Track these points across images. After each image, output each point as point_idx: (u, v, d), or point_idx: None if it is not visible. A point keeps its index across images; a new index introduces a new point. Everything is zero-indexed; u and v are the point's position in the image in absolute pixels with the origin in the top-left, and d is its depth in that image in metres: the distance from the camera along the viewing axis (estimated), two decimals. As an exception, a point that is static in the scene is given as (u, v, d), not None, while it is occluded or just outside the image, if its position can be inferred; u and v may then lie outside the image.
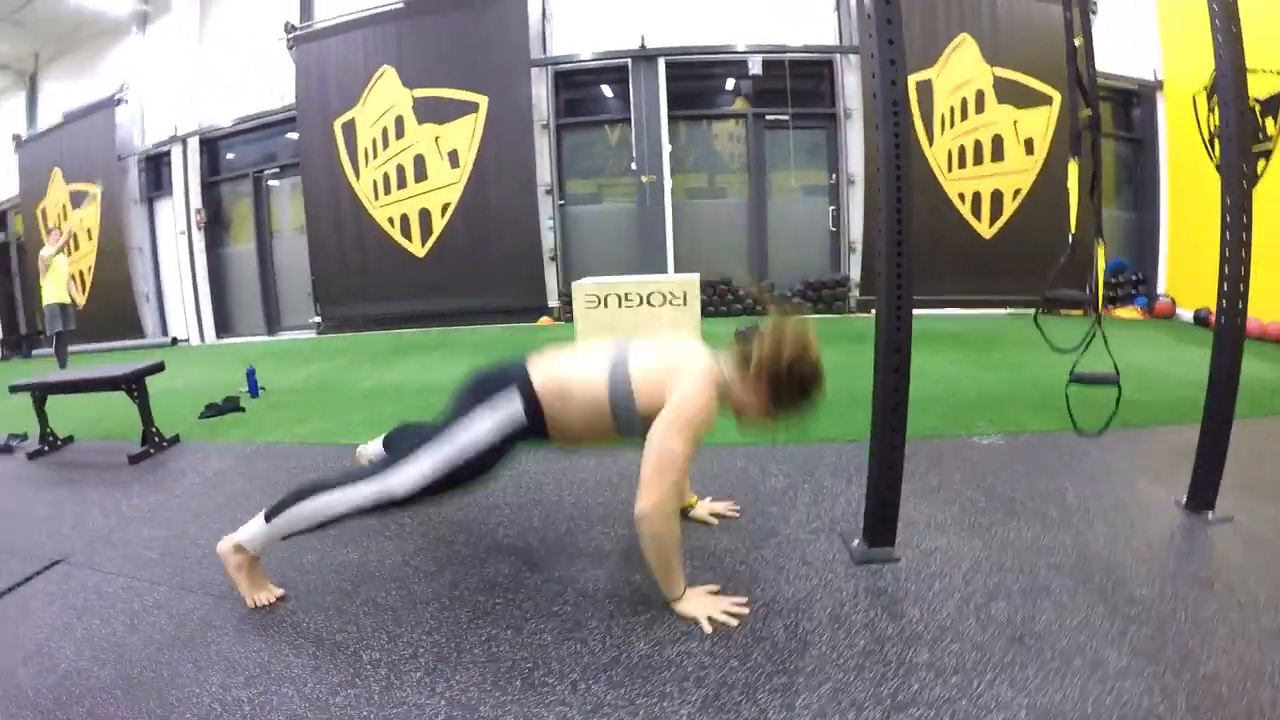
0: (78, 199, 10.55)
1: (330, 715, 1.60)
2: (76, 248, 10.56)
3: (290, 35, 9.31)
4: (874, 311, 2.16)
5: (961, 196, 8.23)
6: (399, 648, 1.85)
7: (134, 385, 3.82)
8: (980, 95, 8.04)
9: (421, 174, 9.06)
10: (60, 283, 7.69)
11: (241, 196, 10.46)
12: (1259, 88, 5.96)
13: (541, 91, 8.88)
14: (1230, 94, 2.12)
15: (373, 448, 2.88)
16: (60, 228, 8.77)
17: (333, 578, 2.25)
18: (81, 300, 9.23)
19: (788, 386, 1.88)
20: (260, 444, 3.98)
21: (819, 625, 1.83)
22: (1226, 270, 2.18)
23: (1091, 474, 2.79)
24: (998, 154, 8.04)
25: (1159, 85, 8.04)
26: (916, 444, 3.19)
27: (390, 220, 9.23)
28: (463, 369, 5.88)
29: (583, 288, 5.08)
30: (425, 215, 9.12)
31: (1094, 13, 7.93)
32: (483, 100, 8.77)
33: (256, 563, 2.12)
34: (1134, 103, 8.57)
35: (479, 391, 2.00)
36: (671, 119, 8.84)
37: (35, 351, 11.28)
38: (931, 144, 8.24)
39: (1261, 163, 6.15)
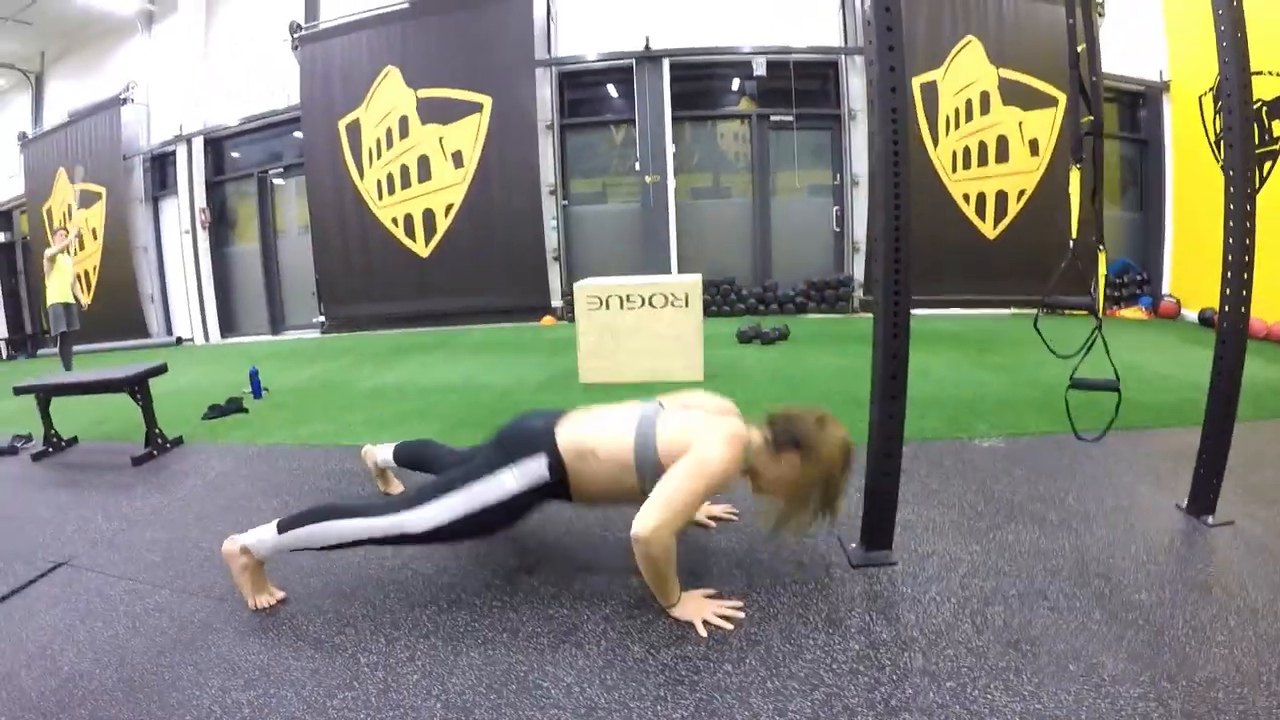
0: (84, 198, 10.60)
1: (328, 718, 1.61)
2: (81, 248, 10.60)
3: (295, 35, 9.34)
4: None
5: (966, 197, 8.21)
6: (396, 651, 1.86)
7: (137, 388, 3.84)
8: (985, 96, 8.02)
9: (425, 174, 9.08)
10: (65, 283, 7.72)
11: (246, 196, 10.49)
12: (1265, 89, 5.93)
13: (546, 92, 8.88)
14: (1235, 98, 2.11)
15: (381, 453, 2.89)
16: (66, 228, 8.80)
17: (332, 580, 2.26)
18: (87, 300, 9.24)
19: (815, 461, 1.93)
20: (262, 445, 4.00)
21: (814, 629, 1.83)
22: (1229, 274, 2.17)
23: (1092, 477, 2.78)
24: (1002, 155, 8.02)
25: (1165, 86, 8.01)
26: (916, 446, 3.21)
27: (394, 220, 9.25)
28: (465, 369, 5.95)
29: (584, 289, 5.07)
30: (429, 215, 9.14)
31: (1101, 15, 7.91)
32: (487, 101, 8.78)
33: (261, 566, 2.14)
34: (1140, 104, 8.55)
35: (509, 450, 2.05)
36: (676, 120, 8.84)
37: (41, 351, 11.34)
38: (936, 145, 8.22)
39: (1268, 164, 6.12)
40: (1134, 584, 1.97)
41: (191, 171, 10.11)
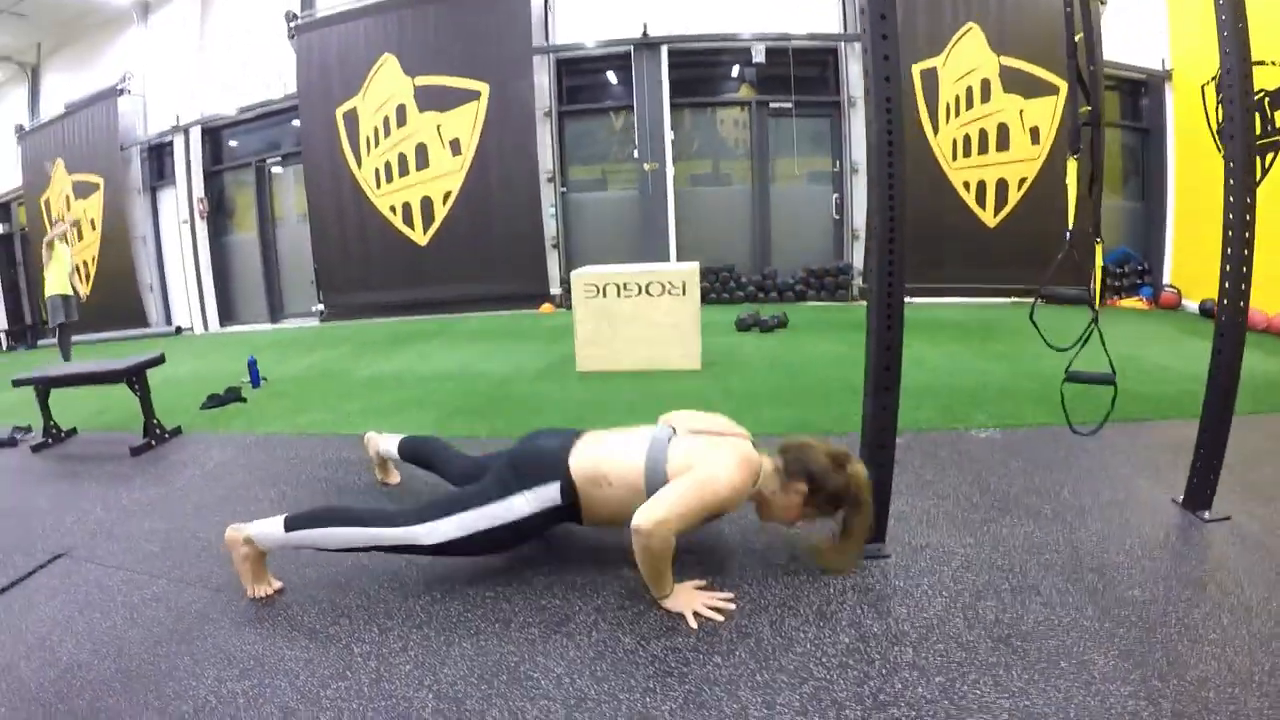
0: (81, 189, 10.58)
1: (321, 708, 1.62)
2: (80, 237, 10.59)
3: (292, 24, 9.27)
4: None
5: (966, 185, 8.17)
6: (389, 641, 1.88)
7: (135, 378, 3.85)
8: (986, 84, 7.96)
9: (423, 162, 9.03)
10: (63, 274, 7.70)
11: (244, 185, 10.46)
12: (1267, 79, 5.88)
13: (544, 79, 8.83)
14: (1236, 88, 2.09)
15: (384, 443, 2.90)
16: (64, 218, 8.80)
17: (327, 570, 2.27)
18: (86, 290, 9.25)
19: (823, 499, 1.99)
20: (261, 435, 4.00)
21: (804, 622, 1.84)
22: (1228, 267, 2.16)
23: (1089, 470, 2.78)
24: (1003, 143, 7.97)
25: (1167, 75, 7.94)
26: (912, 437, 3.21)
27: (392, 208, 9.21)
28: (463, 357, 5.94)
29: (581, 277, 5.06)
30: (427, 203, 9.10)
31: (1103, 2, 7.84)
32: (484, 88, 8.73)
33: (263, 557, 2.16)
34: (1143, 92, 8.48)
35: (522, 473, 2.08)
36: (675, 106, 8.78)
37: (40, 342, 11.35)
38: (936, 132, 8.17)
39: (1270, 155, 6.08)
40: (1128, 580, 1.96)
41: (189, 161, 10.07)
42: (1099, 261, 2.34)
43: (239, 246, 10.57)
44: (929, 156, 8.14)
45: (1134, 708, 1.46)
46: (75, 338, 8.14)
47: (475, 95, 8.76)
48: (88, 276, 10.63)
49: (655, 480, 1.96)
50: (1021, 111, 7.84)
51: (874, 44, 1.91)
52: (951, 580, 2.00)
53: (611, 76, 9.19)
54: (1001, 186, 8.03)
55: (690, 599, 1.93)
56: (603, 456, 2.06)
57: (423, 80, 8.85)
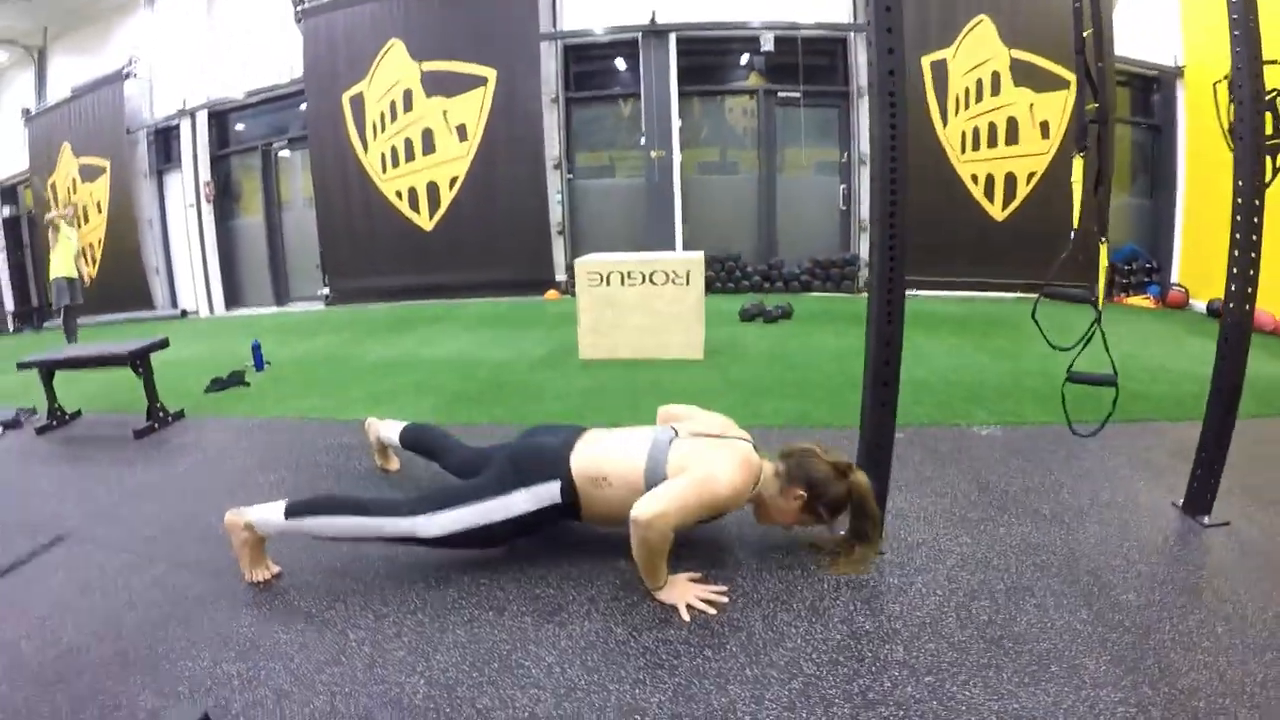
0: (88, 172, 10.59)
1: (315, 691, 1.64)
2: (86, 220, 10.61)
3: (298, 8, 9.23)
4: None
5: (974, 178, 8.12)
6: (384, 626, 1.89)
7: (138, 362, 3.86)
8: (996, 77, 7.90)
9: (429, 147, 9.02)
10: (68, 257, 7.72)
11: (250, 169, 10.45)
12: (1279, 78, 5.80)
13: (551, 65, 8.79)
14: (1246, 88, 2.07)
15: (386, 430, 2.91)
16: (73, 202, 8.81)
17: (324, 555, 2.28)
18: (92, 273, 9.27)
19: (826, 501, 2.00)
20: (263, 419, 4.02)
21: (796, 617, 1.84)
22: (1235, 269, 2.14)
23: (1089, 470, 2.76)
24: (1012, 137, 7.92)
25: (1180, 72, 7.88)
26: (913, 433, 3.20)
27: (398, 193, 9.21)
28: (466, 343, 5.95)
29: (585, 265, 5.05)
30: (433, 188, 9.10)
31: (1115, -1, 7.77)
32: (491, 74, 8.70)
33: (262, 542, 2.17)
34: (1154, 89, 8.40)
35: (523, 470, 2.10)
36: (683, 94, 8.73)
37: (46, 324, 11.38)
38: (945, 125, 8.12)
39: (1281, 155, 6.01)
40: (1123, 584, 1.95)
41: (195, 145, 10.07)
42: (1103, 261, 2.30)
43: (245, 230, 10.57)
44: (938, 148, 8.09)
45: (1123, 714, 1.46)
46: (81, 320, 8.16)
47: (482, 81, 8.73)
48: (94, 259, 10.66)
49: (655, 481, 1.97)
50: (1032, 105, 7.79)
51: (878, 36, 1.89)
52: (946, 579, 2.00)
53: (619, 63, 9.14)
54: (1010, 180, 7.98)
55: (684, 591, 1.94)
56: (603, 456, 2.07)
57: (429, 65, 8.82)
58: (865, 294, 2.08)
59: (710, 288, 8.02)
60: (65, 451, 3.73)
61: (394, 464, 3.04)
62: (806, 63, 8.49)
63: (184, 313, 10.66)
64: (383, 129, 9.11)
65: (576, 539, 2.33)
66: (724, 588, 1.97)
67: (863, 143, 8.53)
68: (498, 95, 8.73)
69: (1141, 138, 8.64)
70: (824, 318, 6.71)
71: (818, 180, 9.10)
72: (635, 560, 1.92)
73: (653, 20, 8.43)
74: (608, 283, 5.00)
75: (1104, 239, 2.21)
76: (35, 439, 3.95)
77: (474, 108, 8.82)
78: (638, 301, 4.98)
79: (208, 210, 10.18)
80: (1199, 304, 7.22)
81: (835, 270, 8.61)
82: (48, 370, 4.03)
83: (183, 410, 4.13)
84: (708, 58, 9.00)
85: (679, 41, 8.57)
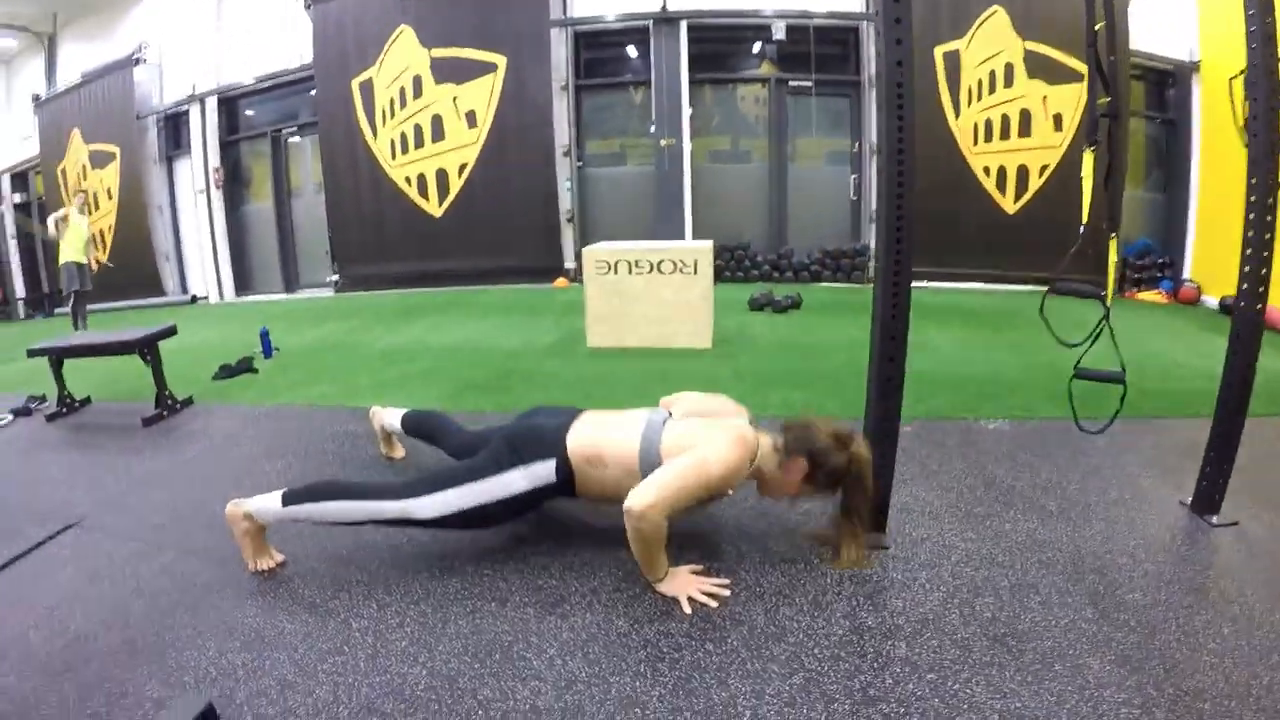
0: (98, 158, 10.62)
1: (318, 681, 1.65)
2: (97, 207, 10.66)
3: (309, -7, 9.22)
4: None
5: (986, 170, 8.05)
6: (387, 617, 1.90)
7: (146, 350, 3.88)
8: (1010, 69, 7.80)
9: (439, 134, 9.00)
10: (78, 242, 7.75)
11: (260, 155, 10.46)
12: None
13: (561, 52, 8.74)
14: (1261, 85, 2.03)
15: (389, 417, 2.92)
16: (83, 189, 8.84)
17: (329, 544, 2.29)
18: (103, 258, 9.30)
19: (827, 470, 1.97)
20: (270, 406, 4.04)
21: (799, 611, 1.84)
22: (1247, 268, 2.10)
23: (1097, 467, 2.73)
24: (1025, 129, 7.83)
25: (1195, 67, 7.75)
26: (921, 425, 3.18)
27: (407, 180, 9.20)
28: (474, 331, 5.95)
29: (593, 253, 5.04)
30: (442, 175, 9.08)
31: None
32: (501, 61, 8.66)
33: (263, 531, 2.18)
34: (1169, 83, 8.28)
35: (519, 450, 2.09)
36: (694, 82, 8.67)
37: (58, 310, 11.45)
38: (958, 116, 8.03)
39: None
40: (1129, 582, 1.93)
41: (205, 131, 10.07)
42: (1113, 258, 2.26)
43: (255, 216, 10.59)
44: (950, 140, 8.01)
45: (1127, 715, 1.44)
46: (91, 306, 8.20)
47: (492, 68, 8.69)
48: (104, 245, 10.69)
49: (649, 461, 1.96)
50: (1045, 98, 7.69)
51: (887, 26, 1.86)
52: (950, 575, 1.98)
53: (630, 51, 9.08)
54: (1022, 173, 7.90)
55: (686, 583, 1.93)
56: (599, 437, 2.07)
57: (439, 52, 8.78)
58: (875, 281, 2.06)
59: (720, 277, 8.00)
60: (74, 439, 3.76)
61: (399, 451, 3.05)
62: (818, 52, 8.40)
63: (194, 298, 10.71)
64: (392, 115, 9.09)
65: (580, 530, 2.33)
66: (726, 580, 1.97)
67: (874, 133, 8.46)
68: (507, 82, 8.69)
69: (1155, 132, 8.53)
70: (833, 308, 6.68)
71: (828, 170, 9.04)
72: (635, 553, 1.92)
73: (664, 8, 8.37)
74: (615, 271, 4.99)
75: (1114, 234, 2.18)
76: (45, 426, 3.98)
77: (483, 94, 8.79)
78: (645, 290, 4.96)
79: (217, 196, 10.20)
80: (1211, 300, 7.14)
81: (845, 260, 8.55)
82: (57, 358, 4.05)
83: (191, 397, 4.15)
84: (719, 46, 8.93)
85: (690, 29, 8.50)
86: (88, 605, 2.03)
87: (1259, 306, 2.11)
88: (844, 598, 1.89)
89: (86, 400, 4.29)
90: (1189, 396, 3.61)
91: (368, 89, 9.10)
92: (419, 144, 9.07)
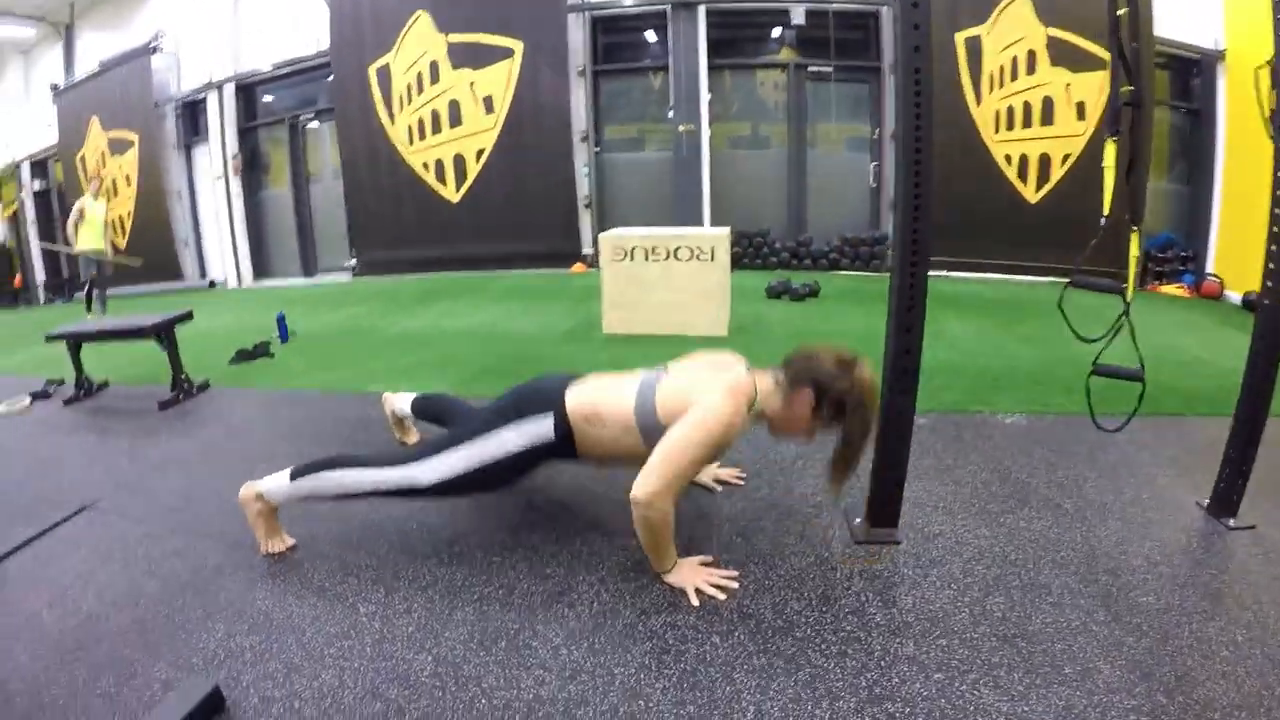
0: (116, 146, 10.71)
1: (324, 665, 1.66)
2: (115, 194, 10.76)
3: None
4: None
5: (1007, 158, 7.93)
6: (394, 602, 1.90)
7: (163, 334, 3.91)
8: (1032, 55, 7.66)
9: (456, 119, 8.99)
10: (95, 230, 7.82)
11: (278, 141, 10.51)
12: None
13: (578, 37, 8.69)
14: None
15: (400, 402, 2.92)
16: (100, 176, 8.92)
17: (340, 528, 2.31)
18: (122, 244, 9.38)
19: (832, 398, 1.88)
20: (286, 391, 4.06)
21: (807, 606, 1.82)
22: (1271, 265, 2.05)
23: (1113, 465, 2.68)
24: (1047, 117, 7.68)
25: (1220, 55, 7.57)
26: (936, 418, 3.15)
27: (425, 165, 9.21)
28: (490, 316, 5.97)
29: (609, 239, 5.02)
30: (460, 161, 9.08)
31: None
32: (518, 46, 8.63)
33: (275, 513, 2.20)
34: (1194, 72, 8.08)
35: (518, 408, 2.07)
36: (712, 68, 8.60)
37: (77, 295, 11.60)
38: (979, 103, 7.91)
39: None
40: (1143, 585, 1.88)
41: (223, 118, 10.13)
42: (1134, 251, 2.20)
43: (273, 202, 10.66)
44: (970, 127, 7.90)
45: (1134, 723, 1.41)
46: (111, 291, 8.30)
47: (509, 53, 8.67)
48: (124, 231, 10.80)
49: (645, 417, 1.93)
50: (1068, 85, 7.54)
51: (904, 11, 1.82)
52: (961, 572, 1.96)
53: (648, 36, 9.01)
54: (1044, 162, 7.77)
55: (693, 575, 1.92)
56: (597, 395, 2.04)
57: (456, 37, 8.76)
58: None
59: (737, 263, 7.96)
60: (91, 422, 3.80)
61: (413, 436, 3.06)
62: (838, 37, 8.31)
63: (212, 284, 10.81)
64: (409, 101, 9.09)
65: (589, 518, 2.33)
66: (735, 572, 1.95)
67: (894, 119, 8.36)
68: (525, 67, 8.66)
69: (1180, 122, 8.33)
70: (852, 297, 6.62)
71: (848, 157, 8.95)
72: (642, 543, 1.90)
73: (681, -8, 8.29)
74: (631, 258, 4.97)
75: (1136, 227, 2.12)
76: (63, 410, 4.02)
77: (501, 80, 8.76)
78: (662, 277, 4.94)
79: (235, 182, 10.26)
80: (1234, 295, 7.00)
81: (864, 249, 8.47)
82: (75, 343, 4.10)
83: (207, 381, 4.19)
84: (738, 30, 8.84)
85: (708, 14, 8.42)
86: (100, 586, 2.06)
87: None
88: (853, 593, 1.87)
89: (104, 384, 4.34)
90: (1209, 394, 3.52)
91: (385, 75, 9.10)
92: (436, 129, 9.07)
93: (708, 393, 1.87)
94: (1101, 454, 2.77)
